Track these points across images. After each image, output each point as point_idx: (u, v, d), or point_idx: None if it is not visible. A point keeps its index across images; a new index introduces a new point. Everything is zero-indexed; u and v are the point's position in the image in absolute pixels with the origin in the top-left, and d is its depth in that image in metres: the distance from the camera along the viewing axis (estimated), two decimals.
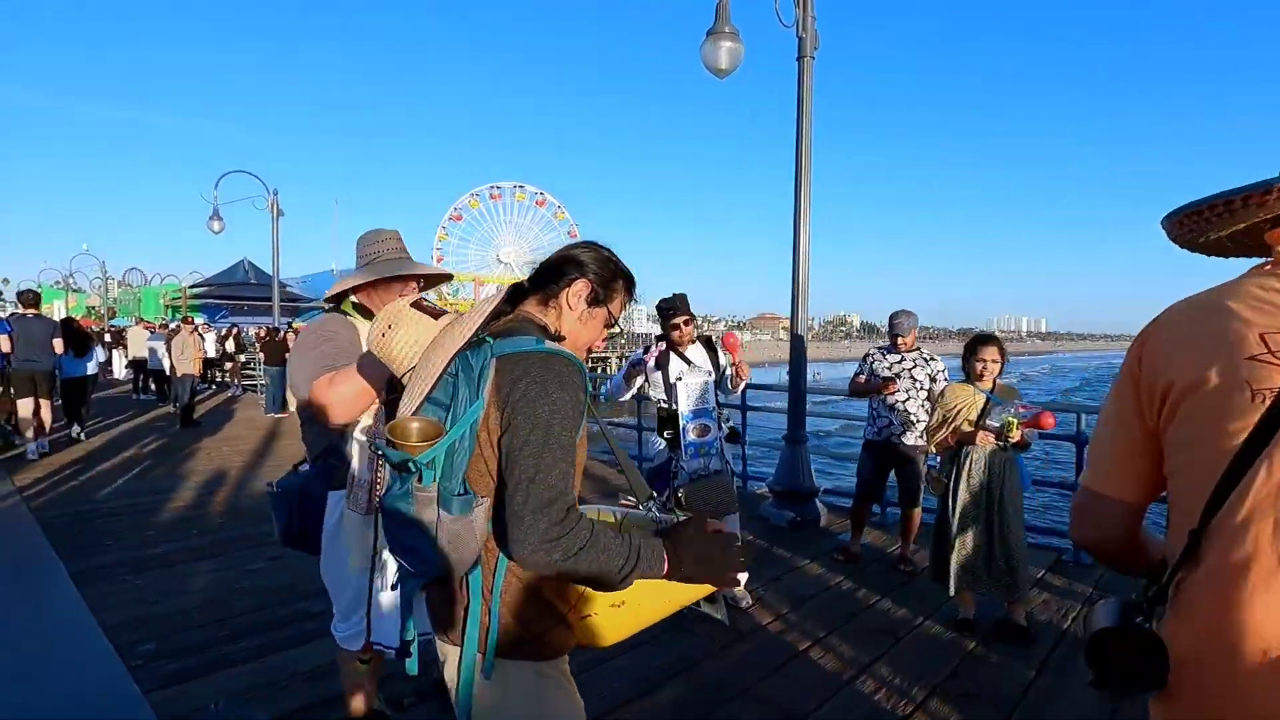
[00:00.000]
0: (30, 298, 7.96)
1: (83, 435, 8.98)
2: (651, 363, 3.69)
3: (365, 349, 1.85)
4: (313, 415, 1.99)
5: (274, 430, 10.15)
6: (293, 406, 11.61)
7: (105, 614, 3.56)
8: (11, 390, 7.85)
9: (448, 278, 2.46)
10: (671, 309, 3.67)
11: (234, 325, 17.87)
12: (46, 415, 7.94)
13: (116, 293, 51.48)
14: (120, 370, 17.69)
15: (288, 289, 52.66)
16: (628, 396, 3.86)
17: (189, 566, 4.33)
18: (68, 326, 9.01)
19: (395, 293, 2.16)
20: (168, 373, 12.39)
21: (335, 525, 2.15)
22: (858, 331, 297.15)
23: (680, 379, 3.49)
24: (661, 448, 3.62)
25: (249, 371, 16.83)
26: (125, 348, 16.95)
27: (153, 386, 14.32)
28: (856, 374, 4.60)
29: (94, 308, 50.42)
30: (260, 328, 20.21)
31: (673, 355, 3.66)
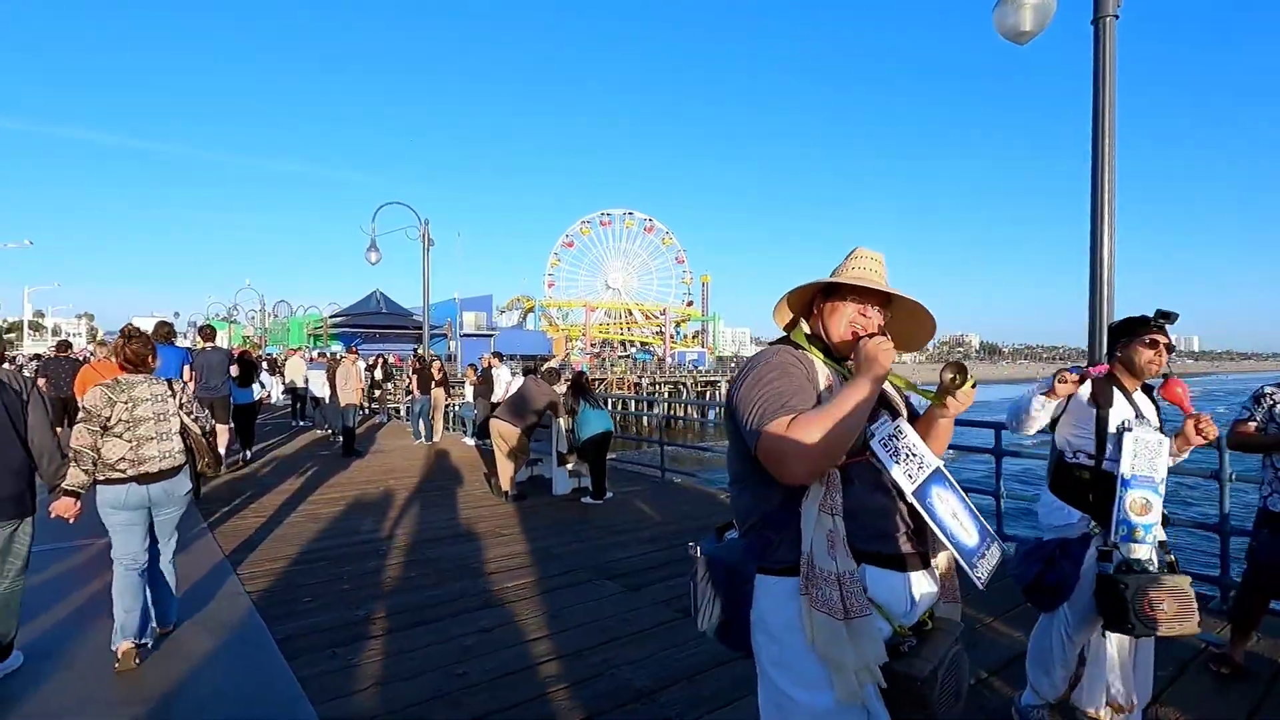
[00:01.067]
0: (209, 332, 8.80)
1: (248, 455, 9.80)
2: (1085, 393, 2.66)
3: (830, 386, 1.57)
4: (749, 472, 1.54)
5: (431, 462, 9.91)
6: (437, 436, 12.30)
7: (324, 706, 2.98)
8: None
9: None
10: (1160, 319, 2.59)
11: (379, 354, 18.45)
12: (222, 440, 8.42)
13: (268, 323, 56.09)
14: (277, 396, 18.61)
15: (414, 318, 55.76)
16: (1032, 431, 2.83)
17: (400, 638, 3.75)
18: (242, 357, 10.06)
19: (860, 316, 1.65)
20: (326, 400, 12.68)
21: (785, 626, 1.48)
22: (977, 352, 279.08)
23: (1128, 428, 2.46)
24: (1072, 517, 2.61)
25: (390, 399, 17.65)
26: (283, 375, 17.73)
27: (308, 412, 14.84)
28: (1243, 419, 3.38)
29: (249, 337, 55.31)
30: (411, 356, 21.03)
31: (1117, 391, 2.63)
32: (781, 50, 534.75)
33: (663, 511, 6.80)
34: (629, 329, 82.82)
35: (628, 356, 67.40)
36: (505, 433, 7.11)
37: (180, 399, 3.59)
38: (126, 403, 3.34)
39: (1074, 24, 4.52)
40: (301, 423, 14.93)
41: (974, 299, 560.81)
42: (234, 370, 8.70)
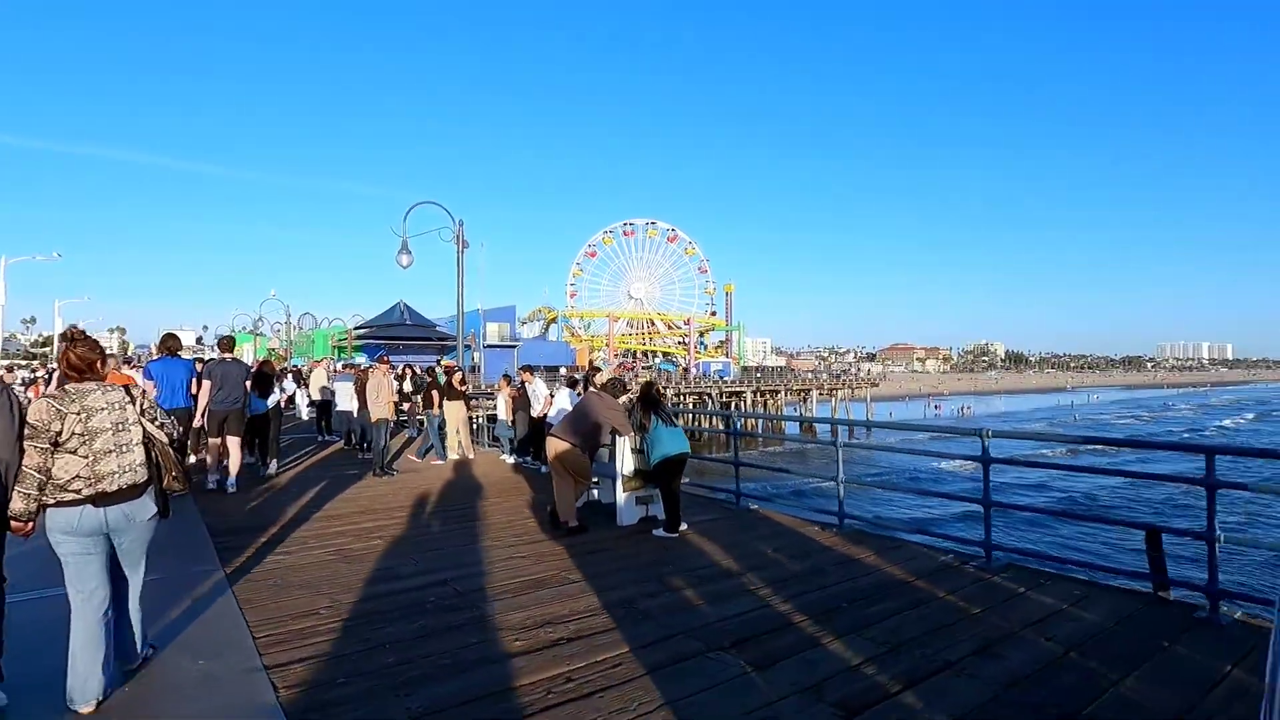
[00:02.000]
0: (227, 343, 8.45)
1: (272, 469, 9.43)
2: None
3: None
4: None
5: (470, 484, 8.93)
6: (454, 455, 10.80)
7: None
8: (205, 431, 8.18)
9: None
10: None
11: (407, 364, 17.57)
12: (236, 453, 8.05)
13: (294, 335, 56.03)
14: (303, 408, 17.88)
15: (438, 329, 55.30)
16: None
17: None
18: (260, 369, 9.91)
19: None
20: (355, 414, 11.77)
21: None
22: (1002, 361, 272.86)
23: None
24: None
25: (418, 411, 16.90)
26: (308, 386, 16.97)
27: (334, 425, 13.98)
28: None
29: (274, 350, 55.23)
30: (432, 367, 20.19)
31: None
32: (798, 57, 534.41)
33: (753, 549, 5.72)
34: (651, 339, 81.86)
35: (650, 367, 66.36)
36: (565, 455, 6.09)
37: (141, 404, 3.23)
38: (79, 414, 2.96)
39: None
40: (327, 436, 14.16)
41: (998, 307, 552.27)
42: (247, 385, 8.28)
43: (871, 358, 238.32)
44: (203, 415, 7.77)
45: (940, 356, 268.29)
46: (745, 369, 68.74)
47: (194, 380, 7.68)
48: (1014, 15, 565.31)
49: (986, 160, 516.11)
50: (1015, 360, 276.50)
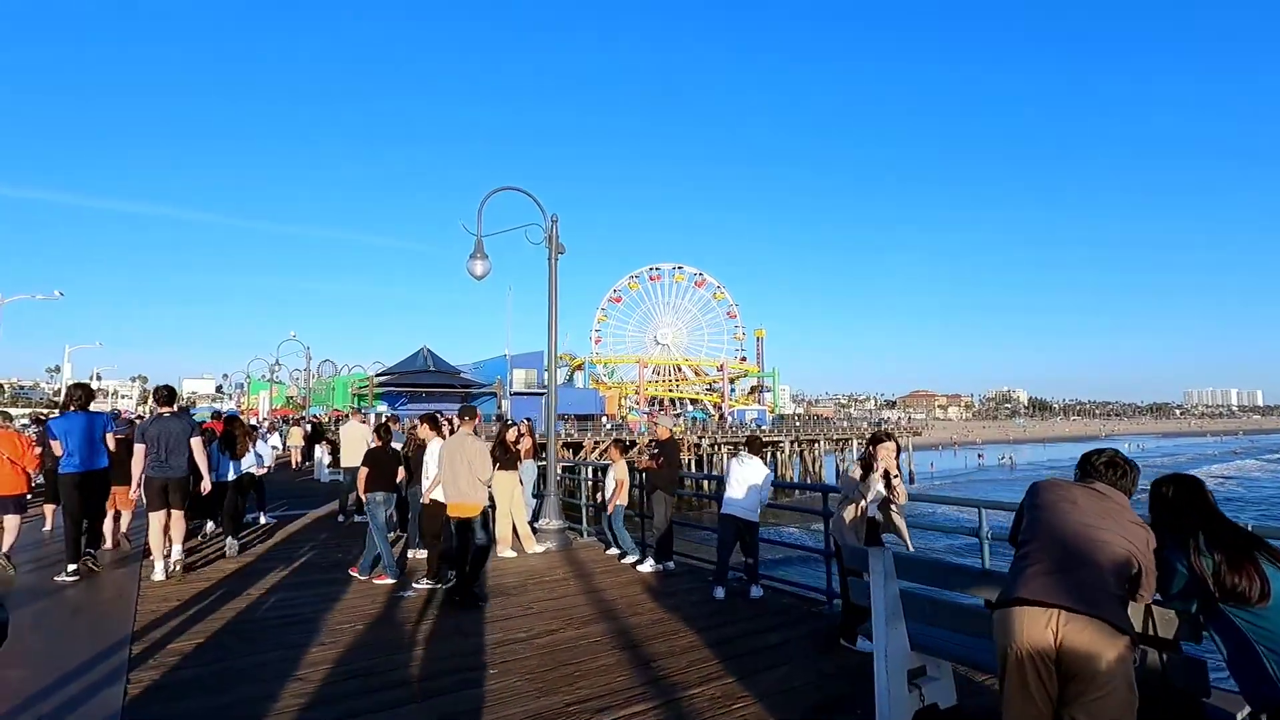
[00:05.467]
0: (164, 394, 6.97)
1: (233, 547, 7.94)
2: None
3: None
4: None
5: (601, 625, 6.13)
6: (507, 551, 6.45)
7: None
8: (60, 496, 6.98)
9: None
10: None
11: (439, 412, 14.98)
12: (178, 529, 7.01)
13: (313, 383, 54.08)
14: (324, 473, 15.17)
15: (462, 375, 53.10)
16: None
17: None
18: (228, 424, 8.92)
19: None
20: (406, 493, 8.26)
21: None
22: (1025, 409, 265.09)
23: None
24: None
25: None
26: (331, 445, 14.15)
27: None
28: None
29: (292, 398, 53.17)
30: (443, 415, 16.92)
31: None
32: (822, 103, 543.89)
33: None
34: (678, 385, 79.12)
35: (680, 415, 63.45)
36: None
37: None
38: None
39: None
40: (357, 518, 10.07)
41: (1019, 353, 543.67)
42: (196, 445, 6.80)
43: (891, 405, 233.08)
44: (139, 485, 6.77)
45: (962, 404, 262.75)
46: (781, 417, 65.52)
47: (111, 437, 6.94)
48: (1029, 55, 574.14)
49: (1009, 206, 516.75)
50: (1039, 407, 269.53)
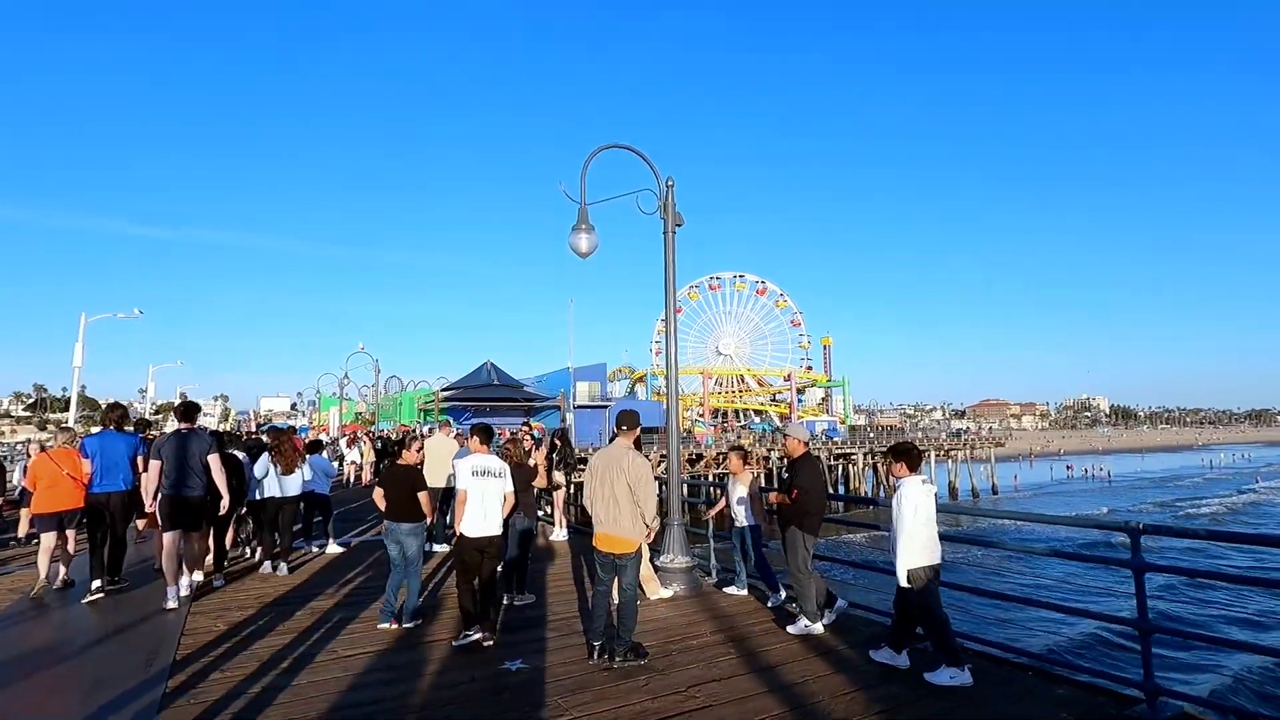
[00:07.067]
0: (185, 411, 6.78)
1: (283, 569, 7.73)
2: None
3: None
4: None
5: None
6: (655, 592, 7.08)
7: None
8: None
9: None
10: None
11: (524, 427, 14.01)
12: (194, 554, 6.77)
13: (380, 398, 54.75)
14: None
15: (525, 389, 52.76)
16: None
17: None
18: (275, 436, 8.42)
19: None
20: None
21: None
22: (1107, 417, 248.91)
23: None
24: None
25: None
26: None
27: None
28: None
29: (361, 414, 53.92)
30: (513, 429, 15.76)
31: None
32: (876, 112, 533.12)
33: None
34: (741, 396, 77.07)
35: (746, 427, 61.52)
36: None
37: None
38: None
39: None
40: (436, 548, 8.95)
41: (1096, 358, 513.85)
42: (214, 463, 6.49)
43: (961, 414, 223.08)
44: (154, 503, 6.48)
45: (1037, 413, 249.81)
46: (853, 428, 62.75)
47: (140, 458, 6.84)
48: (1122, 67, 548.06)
49: (1083, 200, 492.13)
50: (1123, 415, 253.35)
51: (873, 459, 53.23)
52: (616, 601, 4.94)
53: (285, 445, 8.05)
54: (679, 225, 7.04)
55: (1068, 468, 72.90)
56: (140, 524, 7.60)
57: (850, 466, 52.26)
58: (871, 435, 58.57)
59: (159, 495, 6.40)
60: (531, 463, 7.43)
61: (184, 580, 6.50)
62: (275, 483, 7.87)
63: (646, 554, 6.99)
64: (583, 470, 10.78)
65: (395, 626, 5.57)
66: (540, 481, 7.83)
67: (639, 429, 5.31)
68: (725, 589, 6.80)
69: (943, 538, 4.72)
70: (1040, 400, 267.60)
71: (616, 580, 4.96)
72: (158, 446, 6.47)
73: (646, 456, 5.36)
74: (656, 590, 6.56)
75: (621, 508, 4.86)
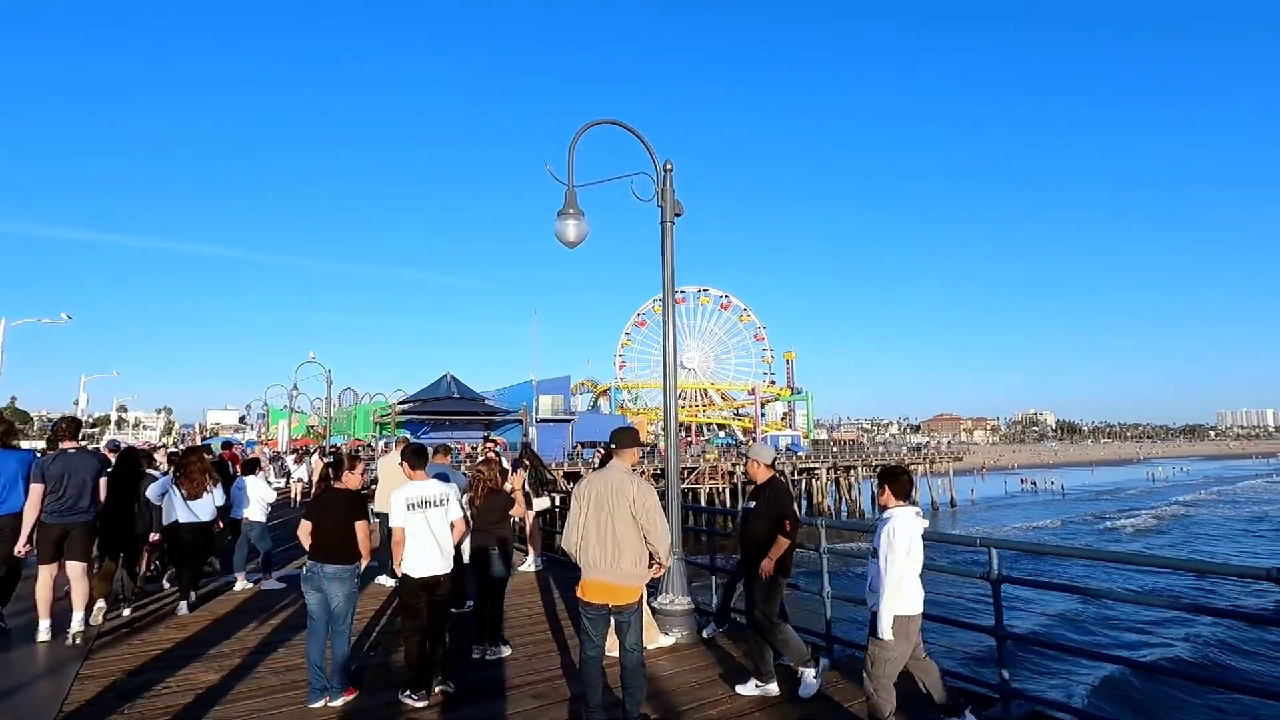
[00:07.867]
0: (65, 428, 6.18)
1: (183, 607, 6.85)
2: None
3: None
4: None
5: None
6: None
7: None
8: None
9: None
10: None
11: (486, 440, 12.86)
12: (81, 585, 5.90)
13: (333, 411, 52.36)
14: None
15: (486, 401, 51.08)
16: None
17: None
18: (185, 455, 7.51)
19: None
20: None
21: None
22: (1054, 431, 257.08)
23: None
24: None
25: None
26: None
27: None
28: None
29: (313, 427, 51.44)
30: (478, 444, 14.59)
31: None
32: (846, 124, 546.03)
33: None
34: (704, 410, 76.57)
35: (709, 441, 60.96)
36: None
37: None
38: None
39: None
40: (389, 581, 8.20)
41: (1045, 375, 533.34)
42: (104, 487, 6.10)
43: (916, 429, 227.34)
44: (31, 531, 5.78)
45: (988, 427, 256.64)
46: (816, 443, 62.76)
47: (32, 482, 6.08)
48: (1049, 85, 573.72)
49: (1030, 224, 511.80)
50: (1068, 430, 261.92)
51: (835, 473, 53.18)
52: (622, 665, 3.96)
53: (192, 466, 7.11)
54: (678, 215, 6.21)
55: (1022, 481, 74.41)
56: (22, 551, 6.44)
57: (814, 481, 52.03)
58: (835, 450, 58.59)
59: (38, 521, 5.76)
60: (508, 487, 6.35)
61: (75, 620, 5.80)
62: (180, 507, 6.95)
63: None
64: (553, 492, 9.62)
65: (327, 704, 4.46)
66: (519, 511, 6.76)
67: (639, 448, 4.38)
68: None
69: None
70: (991, 415, 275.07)
71: (616, 637, 3.99)
72: (42, 467, 5.82)
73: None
74: (655, 638, 5.59)
75: (623, 547, 3.92)
